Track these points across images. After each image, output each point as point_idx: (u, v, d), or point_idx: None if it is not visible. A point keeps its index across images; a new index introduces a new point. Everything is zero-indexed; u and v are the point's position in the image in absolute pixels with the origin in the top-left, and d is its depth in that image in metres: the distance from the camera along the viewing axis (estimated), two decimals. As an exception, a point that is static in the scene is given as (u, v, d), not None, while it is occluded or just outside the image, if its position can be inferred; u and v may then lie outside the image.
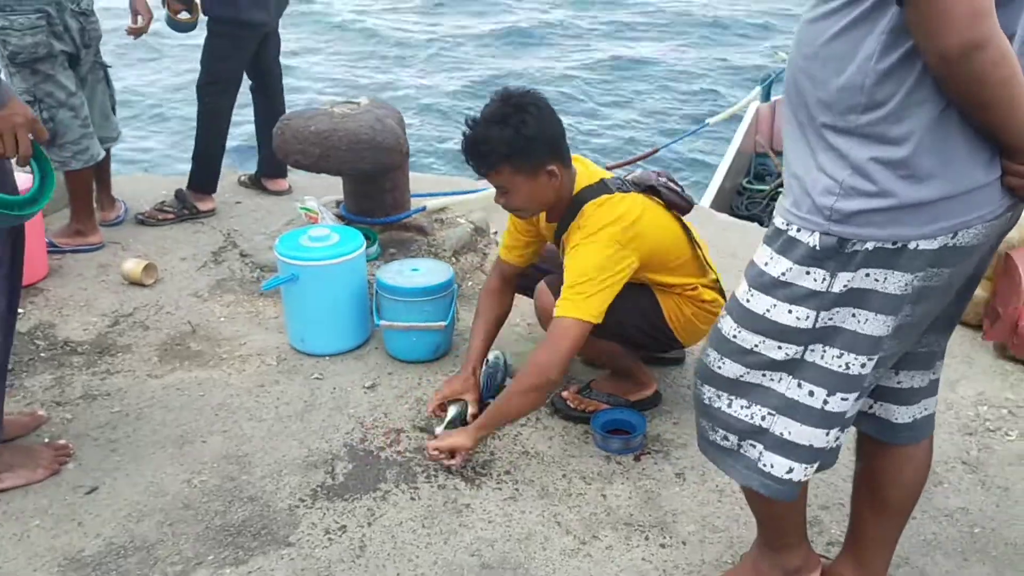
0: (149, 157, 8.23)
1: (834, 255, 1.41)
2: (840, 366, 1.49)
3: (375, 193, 3.44)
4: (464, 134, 2.27)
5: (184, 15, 3.76)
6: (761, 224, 5.54)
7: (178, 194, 4.01)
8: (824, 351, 1.50)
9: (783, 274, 1.47)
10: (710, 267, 2.57)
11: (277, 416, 2.63)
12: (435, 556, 2.10)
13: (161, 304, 3.28)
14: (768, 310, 1.50)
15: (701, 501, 2.30)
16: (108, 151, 3.75)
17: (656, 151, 5.87)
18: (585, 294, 2.21)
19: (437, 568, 2.07)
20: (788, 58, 1.47)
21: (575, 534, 2.18)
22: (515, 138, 2.19)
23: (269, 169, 4.29)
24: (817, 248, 1.42)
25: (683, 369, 2.89)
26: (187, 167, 4.08)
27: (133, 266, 3.40)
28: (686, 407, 2.67)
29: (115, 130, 3.76)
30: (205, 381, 2.81)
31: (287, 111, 3.73)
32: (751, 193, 6.12)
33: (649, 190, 2.43)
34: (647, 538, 2.17)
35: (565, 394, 2.64)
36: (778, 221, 1.50)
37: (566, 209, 2.37)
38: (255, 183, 4.36)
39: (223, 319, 3.19)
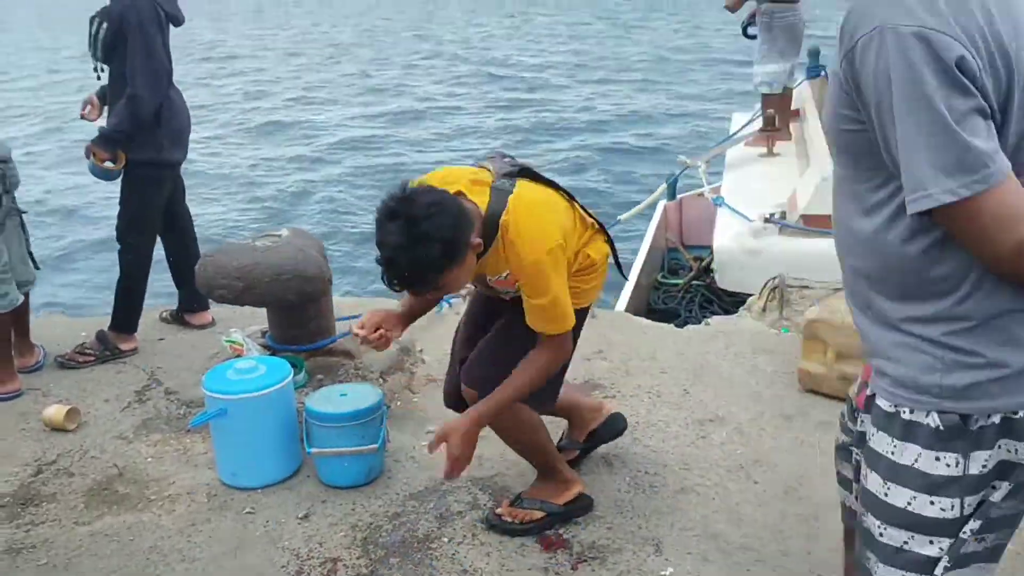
0: (65, 300, 8.09)
1: (961, 434, 1.33)
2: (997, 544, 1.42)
3: (300, 321, 3.50)
4: (386, 273, 2.12)
5: (108, 164, 3.84)
6: (677, 316, 5.76)
7: (99, 335, 3.99)
8: (983, 537, 1.39)
9: (914, 462, 1.37)
10: (587, 215, 2.54)
11: (211, 555, 2.61)
12: None
13: (86, 449, 3.23)
14: (909, 503, 1.38)
15: (639, 604, 2.35)
16: (26, 295, 3.74)
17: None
18: (565, 314, 2.32)
19: None
20: (837, 252, 1.46)
21: (519, 649, 2.20)
22: (440, 249, 2.08)
23: (190, 304, 4.31)
24: (941, 428, 1.34)
25: (612, 472, 2.97)
26: (105, 309, 4.08)
27: (55, 412, 3.35)
28: (618, 511, 2.74)
29: (31, 274, 3.76)
30: (134, 525, 2.77)
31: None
32: (667, 287, 6.36)
33: (527, 172, 2.40)
34: (589, 646, 2.21)
35: (500, 510, 2.68)
36: (884, 404, 1.40)
37: (486, 231, 2.28)
38: (177, 319, 4.36)
39: (150, 459, 3.16)
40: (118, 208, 3.99)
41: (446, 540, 2.63)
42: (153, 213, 3.99)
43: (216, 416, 2.87)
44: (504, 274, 2.34)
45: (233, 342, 3.59)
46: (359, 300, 5.05)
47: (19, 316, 3.75)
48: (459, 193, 2.23)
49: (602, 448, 3.08)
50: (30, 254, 3.77)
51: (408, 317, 2.61)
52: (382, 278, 2.13)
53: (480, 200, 2.25)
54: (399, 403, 3.48)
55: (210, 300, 4.17)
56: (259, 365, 2.99)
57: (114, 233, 4.01)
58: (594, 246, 2.52)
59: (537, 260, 2.24)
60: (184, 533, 2.72)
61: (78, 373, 3.85)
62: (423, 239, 2.04)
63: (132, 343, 4.03)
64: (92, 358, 3.92)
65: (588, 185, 11.33)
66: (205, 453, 3.15)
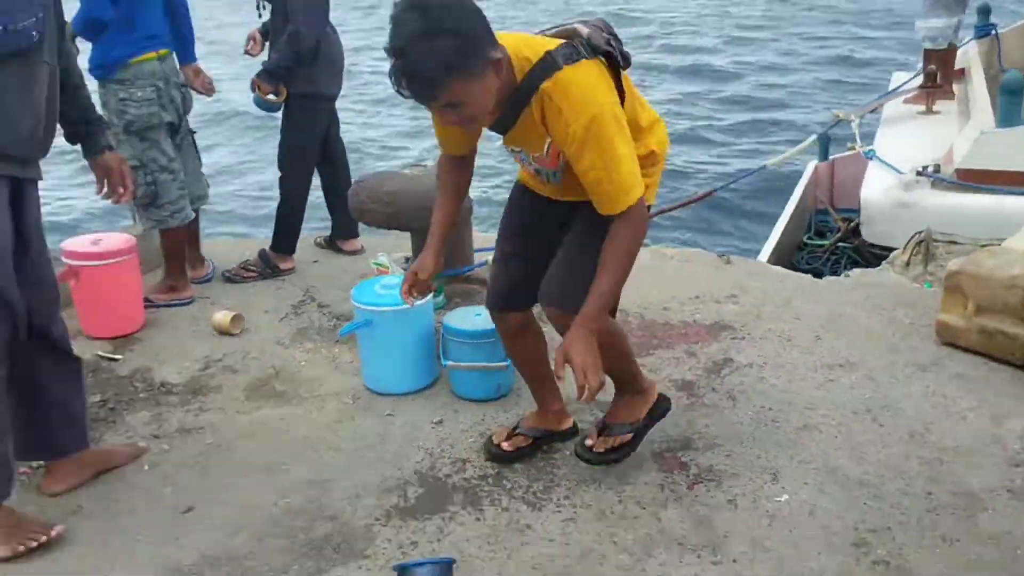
0: (232, 222, 8.70)
1: None
2: None
3: (442, 248, 3.69)
4: (393, 66, 1.92)
5: (271, 96, 4.13)
6: (819, 277, 5.65)
7: (261, 254, 4.33)
8: None
9: None
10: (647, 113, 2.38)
11: (354, 447, 2.85)
12: (499, 569, 2.27)
13: (247, 351, 3.56)
14: None
15: (752, 525, 2.42)
16: (197, 212, 4.11)
17: (712, 193, 5.88)
18: (631, 174, 2.12)
19: (501, 578, 2.23)
20: None
21: (630, 552, 2.33)
22: (455, 43, 1.88)
23: (342, 231, 4.60)
24: None
25: (736, 406, 3.01)
26: (266, 231, 4.42)
27: (222, 317, 3.70)
28: (738, 441, 2.80)
29: (204, 191, 4.14)
30: (288, 417, 3.05)
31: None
32: (812, 248, 6.24)
33: (606, 56, 2.18)
34: (699, 557, 2.30)
35: (589, 442, 2.64)
36: None
37: (510, 94, 2.10)
38: (330, 244, 4.67)
39: (303, 363, 3.45)
40: (279, 138, 4.30)
41: (567, 453, 2.78)
42: (311, 144, 4.28)
43: (362, 326, 3.11)
44: (546, 149, 2.21)
45: (380, 264, 3.84)
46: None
47: (192, 230, 4.14)
48: (503, 36, 2.08)
49: (728, 382, 3.15)
50: (201, 174, 4.15)
51: (438, 244, 2.57)
52: (390, 78, 1.95)
53: (525, 57, 2.08)
54: (531, 330, 3.63)
55: (360, 226, 4.47)
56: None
57: (275, 162, 4.34)
58: (654, 136, 2.38)
59: (591, 121, 2.04)
60: (331, 428, 2.98)
61: (242, 287, 4.20)
62: (437, 30, 1.87)
63: (290, 263, 4.36)
64: (255, 274, 4.27)
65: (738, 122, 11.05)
66: (351, 362, 3.41)
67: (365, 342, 3.19)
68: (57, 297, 2.56)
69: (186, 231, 3.97)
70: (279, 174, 4.33)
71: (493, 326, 3.05)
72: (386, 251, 4.17)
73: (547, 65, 2.06)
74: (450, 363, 3.08)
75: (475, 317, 3.13)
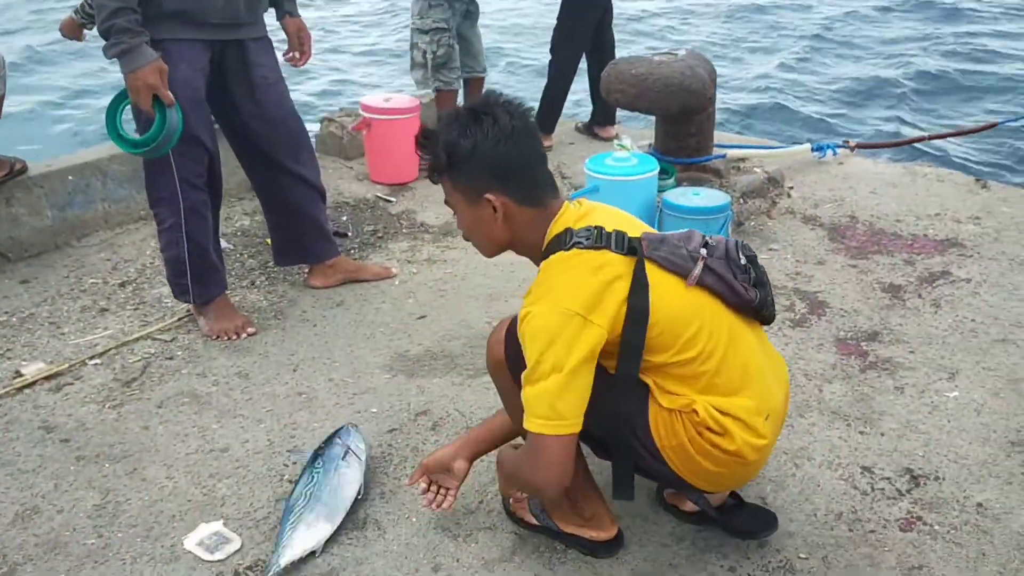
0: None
1: None
2: None
3: (681, 135, 3.92)
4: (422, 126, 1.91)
5: None
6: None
7: (523, 130, 4.80)
8: None
9: None
10: (761, 397, 1.80)
11: (564, 292, 3.26)
12: (661, 401, 2.58)
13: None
14: None
15: (911, 410, 2.53)
16: (480, 82, 4.65)
17: (994, 125, 5.45)
18: (550, 394, 1.66)
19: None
20: None
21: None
22: (453, 146, 1.77)
23: (600, 118, 4.94)
24: None
25: (938, 313, 3.03)
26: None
27: (478, 177, 4.22)
28: (926, 341, 2.85)
29: (482, 65, 4.66)
30: (516, 262, 3.49)
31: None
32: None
33: (633, 252, 1.74)
34: (848, 425, 2.47)
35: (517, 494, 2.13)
36: None
37: (538, 259, 1.85)
38: (588, 130, 5.03)
39: (539, 224, 3.89)
40: (555, 23, 4.68)
41: (754, 327, 2.99)
42: (583, 30, 4.62)
43: (591, 191, 3.46)
44: None
45: (622, 146, 4.13)
46: (745, 137, 5.29)
47: (468, 100, 4.67)
48: (577, 203, 1.88)
49: (937, 292, 3.16)
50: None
51: (475, 445, 2.08)
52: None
53: (556, 225, 1.81)
54: (752, 223, 3.79)
55: (615, 115, 4.79)
56: (633, 158, 3.50)
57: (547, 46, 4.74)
58: (722, 418, 1.77)
59: (527, 314, 1.70)
60: (549, 275, 3.40)
61: (502, 157, 4.71)
62: (455, 124, 1.79)
63: (549, 141, 4.79)
64: (515, 148, 4.76)
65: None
66: (580, 227, 3.79)
67: (591, 208, 3.54)
68: (301, 142, 3.09)
69: (453, 97, 4.53)
70: (549, 57, 4.73)
71: (710, 204, 3.30)
72: (632, 138, 4.46)
73: (558, 242, 1.79)
74: (662, 234, 3.35)
75: (693, 195, 3.37)
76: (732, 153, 4.15)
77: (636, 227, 1.84)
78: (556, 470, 1.72)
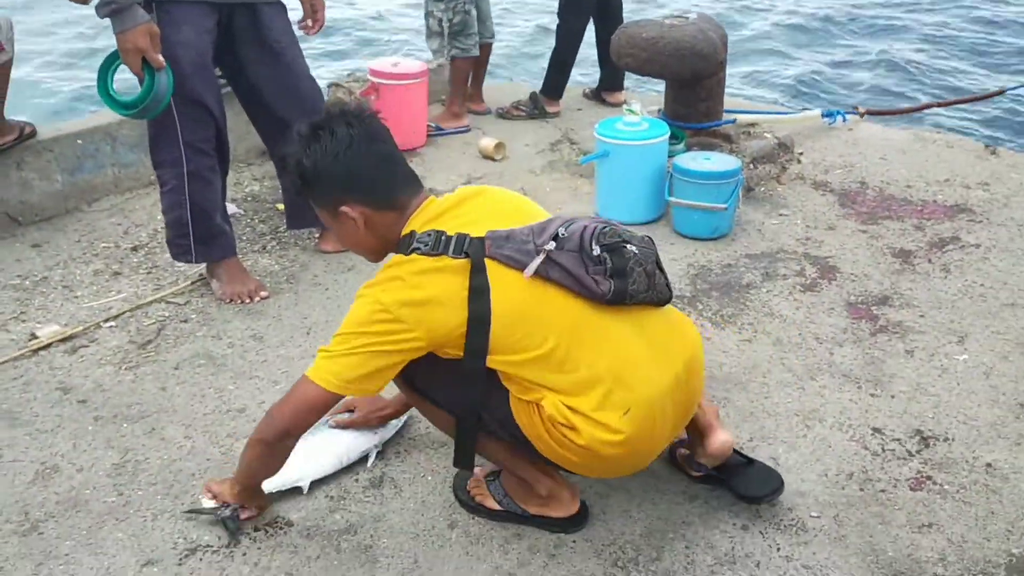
0: (507, 67, 9.20)
1: None
2: None
3: (691, 100, 3.91)
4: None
5: None
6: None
7: (532, 96, 4.78)
8: None
9: None
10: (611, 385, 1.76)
11: (574, 257, 3.27)
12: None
13: (503, 174, 4.06)
14: None
15: (921, 373, 2.55)
16: (488, 47, 4.62)
17: (1001, 91, 5.42)
18: (333, 352, 1.74)
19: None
20: None
21: (795, 373, 2.56)
22: (299, 166, 1.81)
23: (608, 84, 4.92)
24: None
25: (947, 277, 3.04)
26: (534, 79, 4.85)
27: (488, 143, 4.21)
28: (936, 305, 2.87)
29: (491, 31, 4.64)
30: (525, 227, 3.52)
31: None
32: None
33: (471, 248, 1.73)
34: (859, 388, 2.49)
35: (476, 471, 2.08)
36: None
37: None
38: (595, 95, 5.01)
39: (549, 190, 3.89)
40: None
41: (764, 291, 3.00)
42: (587, -2, 4.60)
43: (601, 156, 3.47)
44: None
45: (631, 111, 4.12)
46: (755, 103, 5.26)
47: (477, 67, 4.66)
48: (429, 202, 1.86)
49: (947, 257, 3.17)
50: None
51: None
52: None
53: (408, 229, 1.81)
54: (762, 189, 3.79)
55: (623, 79, 4.77)
56: (644, 122, 3.49)
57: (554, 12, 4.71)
58: (564, 411, 1.75)
59: (359, 295, 1.77)
60: (559, 240, 3.41)
61: (511, 123, 4.69)
62: (300, 140, 1.81)
63: (556, 107, 4.77)
64: (523, 113, 4.74)
65: None
66: (589, 193, 3.79)
67: (602, 173, 3.54)
68: (316, 107, 3.02)
69: (469, 64, 4.50)
70: (557, 22, 4.70)
71: (721, 169, 3.29)
72: (642, 104, 4.45)
73: (402, 244, 1.80)
74: (672, 199, 3.36)
75: (704, 160, 3.37)
76: (742, 118, 4.14)
77: (503, 218, 1.80)
78: (301, 416, 1.79)
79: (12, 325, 2.89)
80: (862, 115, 4.60)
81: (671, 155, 3.64)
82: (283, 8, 2.97)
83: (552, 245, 1.74)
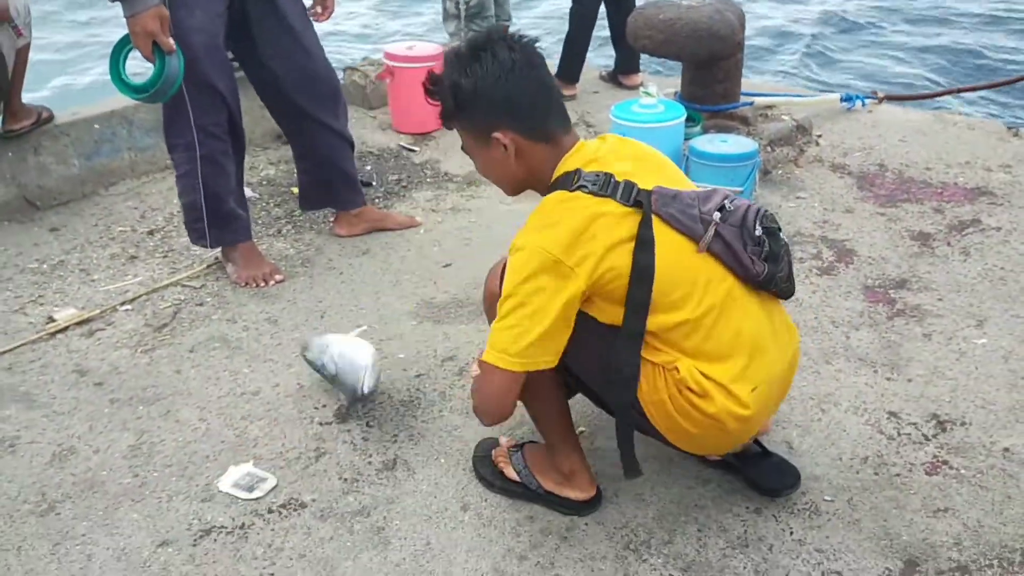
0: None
1: None
2: None
3: (708, 82, 3.87)
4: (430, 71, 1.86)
5: None
6: None
7: (547, 79, 4.75)
8: None
9: None
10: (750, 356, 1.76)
11: (589, 240, 3.25)
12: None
13: (518, 157, 4.04)
14: None
15: (939, 356, 2.52)
16: (505, 31, 4.58)
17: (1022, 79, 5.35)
18: (508, 329, 1.68)
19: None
20: None
21: (811, 357, 2.53)
22: (456, 88, 1.76)
23: (624, 66, 4.88)
24: None
25: (967, 260, 3.00)
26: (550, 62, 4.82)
27: (502, 126, 4.20)
28: (955, 288, 2.83)
29: (507, 13, 4.63)
30: (540, 211, 3.51)
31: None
32: None
33: (639, 205, 1.69)
34: (875, 372, 2.47)
35: (503, 440, 2.15)
36: None
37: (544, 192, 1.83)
38: (612, 78, 4.97)
39: (563, 173, 3.87)
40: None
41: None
42: (601, -20, 4.56)
43: (616, 139, 3.44)
44: None
45: (648, 94, 4.08)
46: (775, 83, 5.21)
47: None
48: (601, 138, 1.86)
49: (967, 240, 3.13)
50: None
51: None
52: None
53: (566, 163, 1.78)
54: (780, 172, 3.75)
55: (639, 62, 4.73)
56: (659, 105, 3.46)
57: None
58: (702, 380, 1.73)
59: (515, 248, 1.71)
60: (574, 224, 3.40)
61: (526, 106, 4.67)
62: (459, 63, 1.76)
63: (572, 90, 4.74)
64: (538, 96, 4.72)
65: None
66: (605, 176, 3.77)
67: (617, 156, 3.52)
68: (332, 92, 3.07)
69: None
70: (569, 5, 4.66)
71: (738, 151, 3.27)
72: (659, 86, 4.41)
73: (565, 181, 1.75)
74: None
75: (720, 142, 3.34)
76: (760, 101, 4.10)
77: (659, 173, 1.79)
78: (494, 402, 1.76)
79: (30, 308, 2.92)
80: (881, 100, 4.54)
81: (687, 137, 3.61)
82: None
83: (718, 216, 1.73)
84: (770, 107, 4.12)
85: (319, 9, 3.14)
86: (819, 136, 4.08)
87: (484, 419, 1.82)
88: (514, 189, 1.91)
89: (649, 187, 1.73)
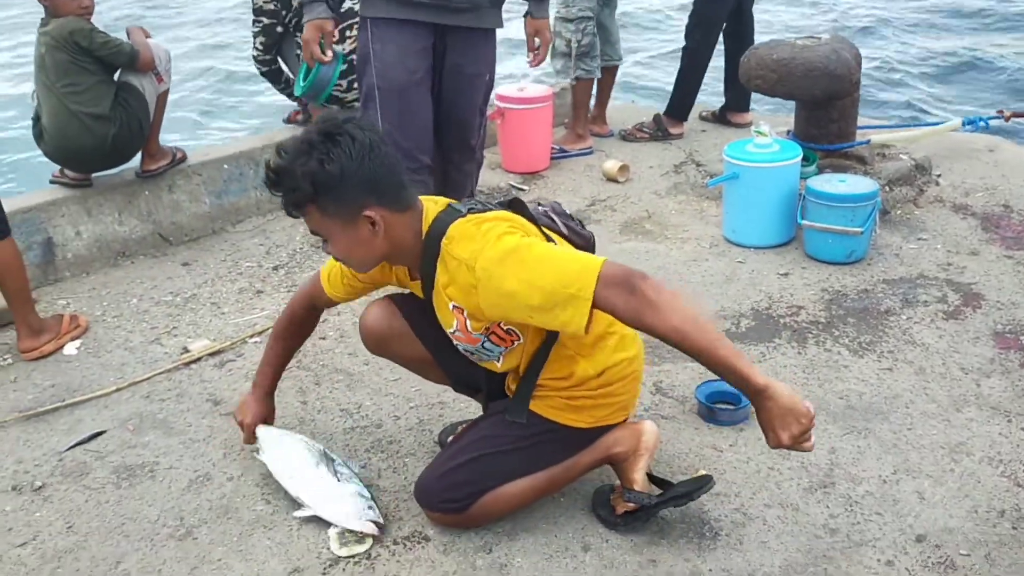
0: (633, 89, 9.16)
1: None
2: None
3: (823, 122, 3.82)
4: (266, 163, 1.86)
5: None
6: None
7: (655, 118, 4.77)
8: None
9: None
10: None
11: (701, 281, 3.24)
12: (808, 392, 2.53)
13: (627, 196, 4.06)
14: None
15: (1080, 408, 2.41)
16: (615, 70, 4.65)
17: None
18: (554, 261, 1.74)
19: (808, 399, 2.50)
20: None
21: (940, 404, 2.46)
22: (318, 173, 1.77)
23: (734, 105, 4.86)
24: None
25: None
26: (662, 99, 4.84)
27: (611, 165, 4.23)
28: (1094, 337, 2.71)
29: (619, 53, 4.66)
30: (650, 250, 3.51)
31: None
32: None
33: (513, 205, 1.95)
34: (1010, 421, 2.37)
35: (621, 504, 2.11)
36: None
37: (421, 256, 1.93)
38: (719, 117, 4.95)
39: (673, 212, 3.87)
40: (691, 8, 4.62)
41: (904, 318, 2.90)
42: (719, 15, 4.54)
43: (730, 178, 3.43)
44: (455, 322, 1.93)
45: (760, 132, 4.05)
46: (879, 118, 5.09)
47: (603, 89, 4.70)
48: (428, 200, 1.97)
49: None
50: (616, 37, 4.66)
51: (263, 391, 2.42)
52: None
53: (432, 211, 1.92)
54: (899, 212, 3.67)
55: (750, 101, 4.70)
56: (775, 144, 3.44)
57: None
58: (615, 353, 2.03)
59: (503, 246, 1.77)
60: (685, 264, 3.39)
61: (634, 145, 4.69)
62: (310, 151, 1.78)
63: (680, 128, 4.74)
64: (647, 135, 4.73)
65: None
66: (716, 215, 3.75)
67: (730, 195, 3.51)
68: (469, 140, 3.19)
69: (589, 86, 4.53)
70: (684, 44, 4.68)
71: (858, 191, 3.21)
72: (771, 124, 4.37)
73: (447, 218, 1.88)
74: (805, 222, 3.29)
75: (839, 182, 3.29)
76: (876, 138, 4.02)
77: None
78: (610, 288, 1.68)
79: (165, 339, 3.07)
80: (1007, 119, 4.34)
81: (803, 177, 3.57)
82: (492, 36, 3.11)
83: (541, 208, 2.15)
84: (886, 146, 4.04)
85: (531, 56, 3.31)
86: (939, 175, 3.98)
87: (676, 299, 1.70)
88: (373, 266, 1.99)
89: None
